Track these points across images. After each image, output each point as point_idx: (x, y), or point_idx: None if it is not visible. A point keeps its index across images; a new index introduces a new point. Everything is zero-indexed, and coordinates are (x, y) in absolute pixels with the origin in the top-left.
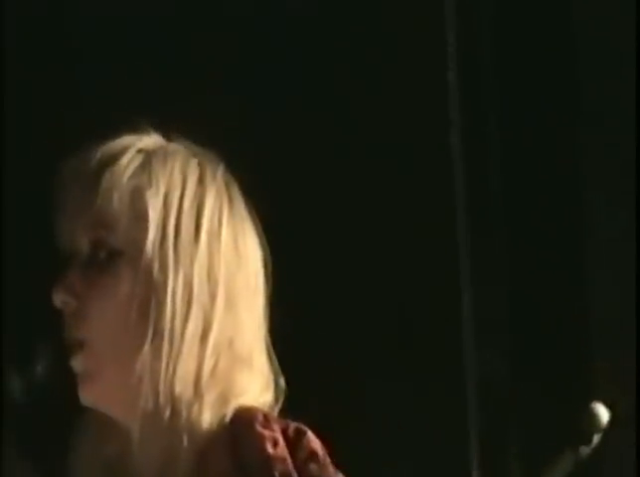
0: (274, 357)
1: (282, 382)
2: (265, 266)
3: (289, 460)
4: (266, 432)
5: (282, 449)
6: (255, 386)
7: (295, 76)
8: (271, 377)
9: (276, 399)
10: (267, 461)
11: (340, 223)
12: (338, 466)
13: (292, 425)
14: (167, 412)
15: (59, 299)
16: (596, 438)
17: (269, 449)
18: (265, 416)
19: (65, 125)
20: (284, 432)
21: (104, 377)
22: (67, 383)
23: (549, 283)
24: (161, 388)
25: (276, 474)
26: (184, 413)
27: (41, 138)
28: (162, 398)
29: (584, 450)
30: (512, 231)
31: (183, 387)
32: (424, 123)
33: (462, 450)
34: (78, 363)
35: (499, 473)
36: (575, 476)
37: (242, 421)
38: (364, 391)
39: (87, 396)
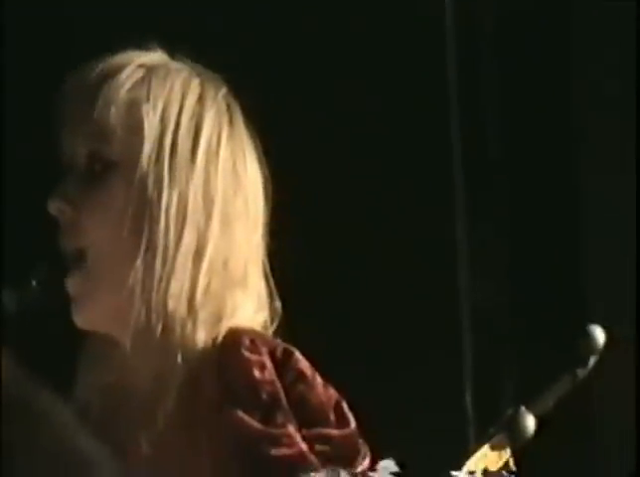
0: (271, 279)
1: (278, 303)
2: (266, 190)
3: (277, 382)
4: (253, 357)
5: (270, 372)
6: (249, 306)
7: None
8: (266, 298)
9: (271, 320)
10: (254, 386)
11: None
12: (328, 381)
13: (280, 346)
14: (159, 329)
15: (54, 207)
16: (592, 360)
17: (256, 374)
18: (252, 340)
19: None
20: (272, 354)
21: (98, 298)
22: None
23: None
24: (153, 303)
25: (264, 397)
26: (177, 331)
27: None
28: (154, 314)
29: (581, 372)
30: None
31: (176, 304)
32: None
33: (456, 373)
34: (72, 282)
35: (494, 396)
36: (572, 398)
37: (229, 346)
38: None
39: (82, 318)
